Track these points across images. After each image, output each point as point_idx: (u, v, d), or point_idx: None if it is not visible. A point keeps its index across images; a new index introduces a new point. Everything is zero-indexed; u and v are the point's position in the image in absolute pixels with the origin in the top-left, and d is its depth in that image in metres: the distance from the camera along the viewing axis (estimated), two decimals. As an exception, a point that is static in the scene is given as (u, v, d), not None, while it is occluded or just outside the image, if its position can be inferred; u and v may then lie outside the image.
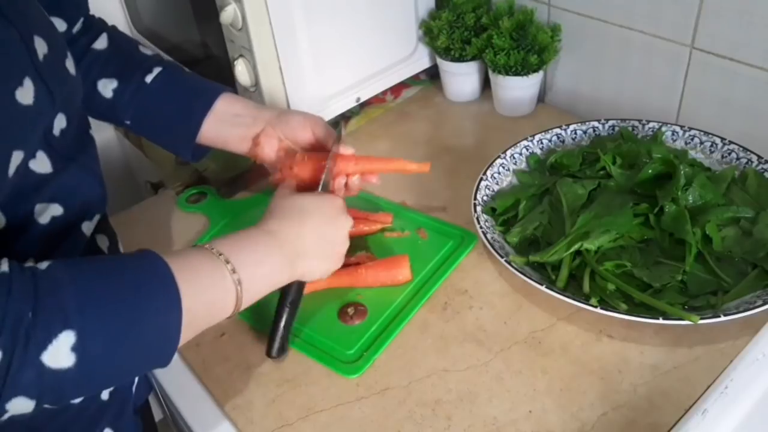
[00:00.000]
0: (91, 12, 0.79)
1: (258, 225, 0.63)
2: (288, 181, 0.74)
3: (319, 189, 0.72)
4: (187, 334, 0.51)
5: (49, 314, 0.43)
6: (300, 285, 0.71)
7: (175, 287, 0.50)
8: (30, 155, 0.53)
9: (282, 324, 0.70)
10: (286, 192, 0.69)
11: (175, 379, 0.74)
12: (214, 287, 0.54)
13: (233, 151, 0.81)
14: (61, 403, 0.46)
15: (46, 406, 0.45)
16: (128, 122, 0.78)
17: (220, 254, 0.56)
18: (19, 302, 0.43)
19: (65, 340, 0.44)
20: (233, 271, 0.55)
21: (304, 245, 0.63)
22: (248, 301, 0.57)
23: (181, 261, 0.52)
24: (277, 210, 0.65)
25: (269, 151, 0.79)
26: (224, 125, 0.79)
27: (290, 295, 0.70)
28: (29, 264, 0.46)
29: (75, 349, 0.44)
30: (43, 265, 0.46)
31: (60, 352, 0.43)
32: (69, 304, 0.44)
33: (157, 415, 0.88)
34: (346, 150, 0.78)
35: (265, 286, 0.60)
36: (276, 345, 0.70)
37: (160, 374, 0.75)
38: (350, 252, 0.83)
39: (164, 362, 0.51)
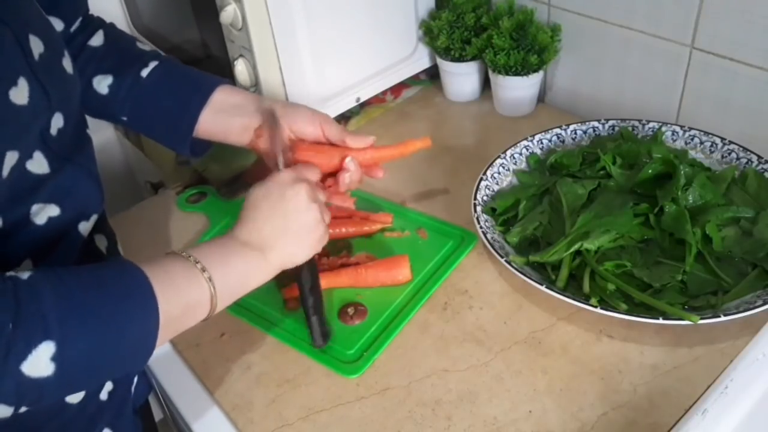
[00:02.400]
0: (91, 11, 0.79)
1: (227, 232, 0.63)
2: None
3: (280, 167, 0.70)
4: (163, 338, 0.52)
5: (30, 325, 0.44)
6: (309, 270, 0.71)
7: (153, 295, 0.50)
8: (27, 156, 0.53)
9: (312, 312, 0.71)
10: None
11: (175, 379, 0.74)
12: (189, 291, 0.54)
13: (234, 143, 0.78)
14: (39, 405, 0.47)
15: (24, 408, 0.46)
16: (125, 118, 0.77)
17: (190, 256, 0.56)
18: (0, 313, 0.43)
19: (45, 350, 0.44)
20: (203, 269, 0.56)
21: (264, 235, 0.62)
22: (224, 301, 0.58)
23: (156, 268, 0.53)
24: (240, 213, 0.64)
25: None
26: (224, 116, 0.77)
27: (306, 283, 0.71)
28: (10, 273, 0.46)
29: (54, 359, 0.44)
30: (25, 274, 0.46)
31: (40, 362, 0.44)
32: (49, 315, 0.45)
33: (157, 415, 0.88)
34: (360, 142, 0.76)
35: (239, 284, 0.60)
36: (317, 334, 0.72)
37: (160, 374, 0.75)
38: (350, 252, 0.84)
39: (140, 365, 0.52)
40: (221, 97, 0.77)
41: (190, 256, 0.56)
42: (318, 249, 0.67)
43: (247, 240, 0.61)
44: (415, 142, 0.79)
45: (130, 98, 0.75)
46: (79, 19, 0.74)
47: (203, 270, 0.56)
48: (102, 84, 0.75)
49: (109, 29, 0.78)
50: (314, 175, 0.69)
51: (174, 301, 0.52)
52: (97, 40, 0.76)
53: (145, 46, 0.79)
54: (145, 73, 0.75)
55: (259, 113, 0.76)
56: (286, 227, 0.63)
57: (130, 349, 0.50)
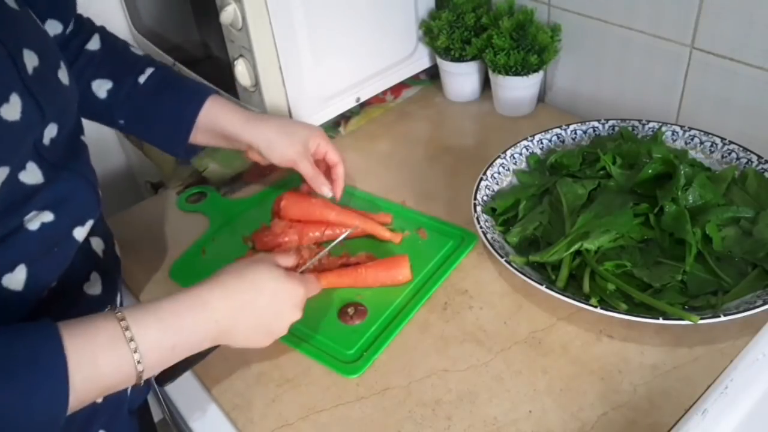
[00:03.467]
0: (92, 12, 0.79)
1: (202, 285, 0.58)
2: (275, 253, 0.71)
3: (299, 271, 0.71)
4: (72, 410, 0.49)
5: None
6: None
7: (66, 391, 0.47)
8: (20, 167, 0.53)
9: (184, 367, 0.65)
10: (261, 259, 0.65)
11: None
12: (112, 377, 0.51)
13: (229, 147, 0.84)
14: None
15: None
16: (122, 122, 0.79)
17: (129, 333, 0.52)
18: None
19: None
20: (138, 360, 0.52)
21: (236, 324, 0.59)
22: (153, 372, 0.55)
23: (82, 343, 0.49)
24: (232, 275, 0.60)
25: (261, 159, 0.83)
26: (216, 127, 0.81)
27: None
28: None
29: None
30: None
31: None
32: None
33: (157, 415, 0.88)
34: (334, 156, 0.84)
35: (180, 356, 0.56)
36: (173, 377, 0.66)
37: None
38: (350, 252, 0.84)
39: None
40: (213, 109, 0.81)
41: (129, 335, 0.51)
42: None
43: (220, 315, 0.58)
44: (387, 233, 0.85)
45: (129, 103, 0.78)
46: (73, 20, 0.75)
47: (138, 361, 0.52)
48: (101, 89, 0.77)
49: (104, 33, 0.80)
50: (313, 291, 0.69)
51: (92, 386, 0.50)
52: (94, 44, 0.77)
53: (138, 50, 0.82)
54: (142, 79, 0.78)
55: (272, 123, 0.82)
56: (256, 329, 0.61)
57: (32, 428, 0.47)
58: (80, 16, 0.78)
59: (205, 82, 1.09)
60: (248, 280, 0.61)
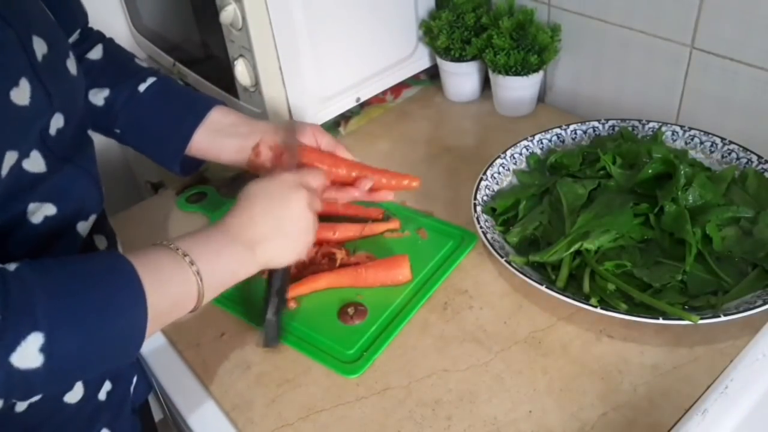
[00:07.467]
0: (92, 18, 0.79)
1: (215, 223, 0.63)
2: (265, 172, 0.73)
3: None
4: (152, 330, 0.52)
5: (19, 317, 0.44)
6: (283, 273, 0.72)
7: (140, 286, 0.51)
8: (24, 155, 0.53)
9: (273, 313, 0.71)
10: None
11: (175, 379, 0.74)
12: (176, 282, 0.55)
13: (226, 163, 0.80)
14: (29, 398, 0.47)
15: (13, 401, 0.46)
16: (118, 131, 0.78)
17: (178, 249, 0.56)
18: None
19: (34, 341, 0.44)
20: (192, 263, 0.56)
21: (257, 231, 0.63)
22: (211, 294, 0.58)
23: (145, 261, 0.53)
24: (234, 204, 0.65)
25: (268, 161, 0.78)
26: (219, 135, 0.78)
27: (276, 283, 0.71)
28: None
29: (43, 350, 0.44)
30: (12, 266, 0.46)
31: (28, 353, 0.44)
32: (37, 307, 0.45)
33: (157, 415, 0.88)
34: (348, 155, 0.80)
35: (226, 278, 0.60)
36: (271, 335, 0.71)
37: (160, 374, 0.75)
38: (350, 252, 0.84)
39: (130, 357, 0.53)
40: (216, 117, 0.78)
41: (178, 249, 0.56)
42: (302, 256, 0.67)
43: (238, 234, 0.62)
44: (403, 181, 0.81)
45: (125, 111, 0.76)
46: (78, 30, 0.75)
47: (191, 263, 0.56)
48: (98, 96, 0.76)
49: (108, 44, 0.79)
50: (317, 181, 0.70)
51: (162, 295, 0.53)
52: (95, 53, 0.77)
53: (143, 63, 0.80)
54: (142, 88, 0.76)
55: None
56: (280, 228, 0.64)
57: (119, 342, 0.50)
58: (90, 28, 0.78)
59: (206, 82, 1.09)
60: (246, 194, 0.65)
